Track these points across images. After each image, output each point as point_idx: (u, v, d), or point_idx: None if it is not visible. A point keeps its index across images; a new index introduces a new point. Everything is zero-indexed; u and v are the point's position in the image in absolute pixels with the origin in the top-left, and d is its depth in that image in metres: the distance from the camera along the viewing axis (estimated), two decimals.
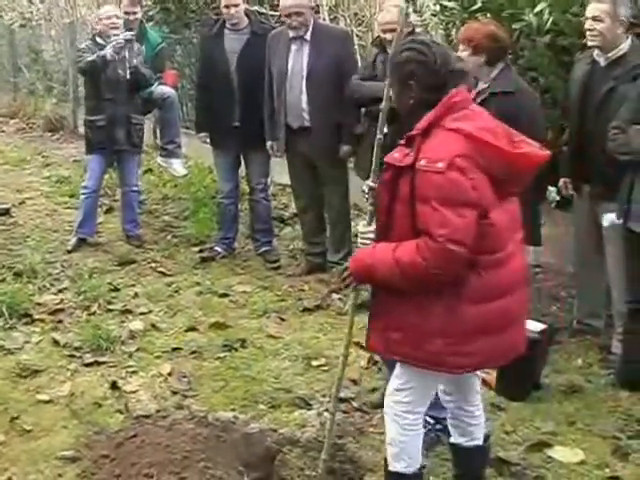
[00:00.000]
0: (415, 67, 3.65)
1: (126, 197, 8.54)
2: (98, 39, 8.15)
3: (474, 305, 3.60)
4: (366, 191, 3.91)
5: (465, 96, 3.70)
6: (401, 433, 3.92)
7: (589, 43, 5.53)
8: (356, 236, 4.02)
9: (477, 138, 3.51)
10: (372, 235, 3.79)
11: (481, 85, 5.65)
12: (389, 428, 3.97)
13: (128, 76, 7.97)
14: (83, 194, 8.37)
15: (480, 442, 4.15)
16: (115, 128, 8.10)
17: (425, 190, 3.49)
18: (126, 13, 8.66)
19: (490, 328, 3.65)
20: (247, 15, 7.67)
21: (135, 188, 8.56)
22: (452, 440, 4.23)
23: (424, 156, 3.51)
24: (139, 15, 8.94)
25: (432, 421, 4.70)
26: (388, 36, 6.41)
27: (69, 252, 8.07)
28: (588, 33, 5.47)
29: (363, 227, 3.88)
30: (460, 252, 3.44)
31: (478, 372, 4.10)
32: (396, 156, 3.63)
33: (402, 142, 3.66)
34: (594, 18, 5.40)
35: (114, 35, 7.92)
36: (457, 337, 3.61)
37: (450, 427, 4.22)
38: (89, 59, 7.92)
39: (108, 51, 7.82)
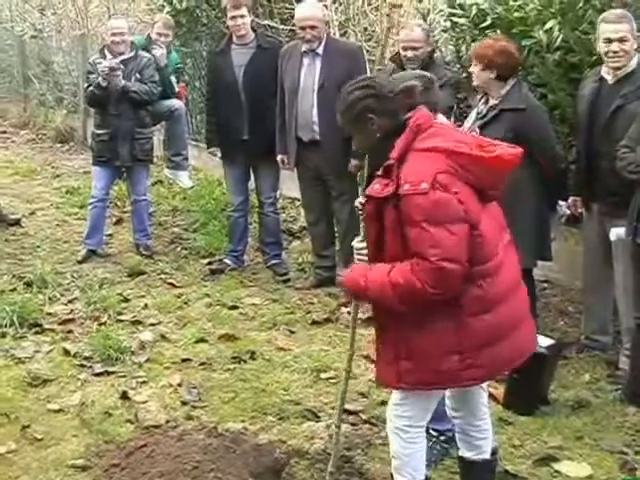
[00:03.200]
0: (370, 101, 3.72)
1: (135, 207, 8.60)
2: (106, 52, 8.27)
3: (481, 316, 3.64)
4: (359, 207, 3.96)
5: (426, 115, 3.74)
6: (403, 446, 3.95)
7: (613, 64, 5.50)
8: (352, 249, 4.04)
9: (454, 152, 3.56)
10: (366, 251, 3.85)
11: (492, 101, 5.71)
12: (392, 441, 4.01)
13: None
14: (90, 204, 8.47)
15: (487, 456, 4.17)
16: (118, 143, 8.17)
17: (412, 213, 3.52)
18: (158, 34, 8.91)
19: (498, 335, 3.69)
20: (253, 29, 7.73)
21: (144, 198, 8.60)
22: (460, 454, 4.24)
23: (406, 181, 3.54)
24: (170, 38, 9.19)
25: (436, 434, 4.72)
26: (409, 53, 6.50)
27: (79, 263, 8.13)
28: (613, 55, 5.46)
29: (358, 243, 3.93)
30: (455, 269, 3.49)
31: (484, 385, 4.11)
32: (376, 187, 3.66)
33: (379, 173, 3.69)
34: (621, 40, 5.41)
35: (99, 63, 8.08)
36: (472, 351, 3.65)
37: (458, 441, 4.24)
38: (89, 91, 8.20)
39: (99, 79, 8.00)
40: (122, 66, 8.06)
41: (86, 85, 8.41)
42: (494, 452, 4.25)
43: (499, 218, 3.83)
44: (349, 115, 3.82)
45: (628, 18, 5.46)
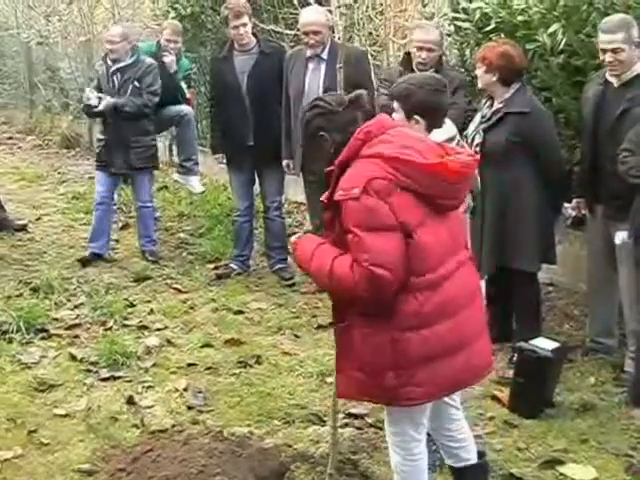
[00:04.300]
0: (319, 119, 3.75)
1: (140, 213, 8.63)
2: (108, 59, 8.31)
3: (416, 331, 3.59)
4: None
5: (381, 123, 3.70)
6: (402, 463, 3.96)
7: (610, 74, 5.53)
8: None
9: (396, 158, 3.51)
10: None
11: (496, 105, 5.74)
12: (391, 456, 4.02)
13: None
14: (94, 208, 8.56)
15: (472, 462, 4.19)
16: (112, 151, 8.24)
17: (346, 218, 3.54)
18: (167, 41, 8.95)
19: (438, 352, 3.63)
20: (255, 35, 7.76)
21: (147, 204, 8.61)
22: (446, 462, 4.30)
23: (341, 187, 3.56)
24: (180, 45, 9.23)
25: None
26: (423, 54, 6.49)
27: (78, 261, 8.22)
28: (609, 65, 5.47)
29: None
30: (384, 275, 3.46)
31: (456, 402, 4.13)
32: (327, 194, 3.69)
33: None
34: (614, 51, 5.39)
35: (85, 92, 8.22)
36: (407, 367, 3.61)
37: (441, 450, 4.28)
38: (82, 108, 8.45)
39: (90, 102, 8.11)
40: (105, 101, 8.08)
41: (84, 113, 8.49)
42: (481, 456, 4.27)
43: (456, 234, 3.77)
44: (305, 137, 3.89)
45: (626, 26, 5.41)
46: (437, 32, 6.67)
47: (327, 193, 3.68)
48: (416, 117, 4.22)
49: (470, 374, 3.83)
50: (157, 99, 8.35)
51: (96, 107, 8.07)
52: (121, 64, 8.18)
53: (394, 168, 3.51)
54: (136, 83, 8.17)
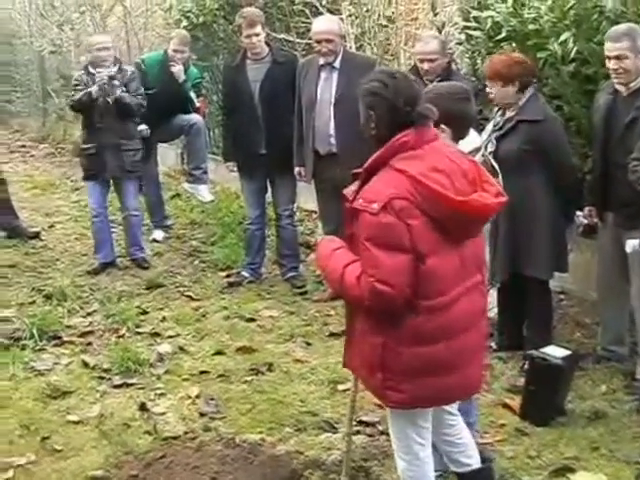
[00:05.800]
0: (376, 100, 3.63)
1: (127, 221, 8.67)
2: (90, 68, 8.28)
3: (410, 347, 3.59)
4: None
5: (421, 136, 3.60)
6: (408, 468, 3.95)
7: (615, 81, 5.53)
8: None
9: (419, 182, 3.46)
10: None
11: (509, 113, 5.75)
12: (397, 463, 4.02)
13: (111, 103, 8.05)
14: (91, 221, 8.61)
15: (473, 467, 4.18)
16: (105, 155, 8.21)
17: (361, 229, 3.53)
18: (174, 51, 8.99)
19: (430, 370, 3.63)
20: (267, 44, 7.79)
21: (135, 212, 8.63)
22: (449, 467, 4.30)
23: (362, 195, 3.54)
24: (187, 54, 9.25)
25: None
26: (425, 66, 6.52)
27: (88, 273, 8.26)
28: (613, 73, 5.48)
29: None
30: (387, 291, 3.44)
31: (453, 409, 4.13)
32: (351, 189, 3.67)
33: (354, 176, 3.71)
34: (618, 57, 5.39)
35: (98, 72, 8.08)
36: (394, 374, 3.63)
37: (442, 455, 4.28)
38: (76, 97, 8.16)
39: (93, 89, 8.01)
40: (119, 75, 8.12)
41: (71, 93, 8.44)
42: (485, 460, 4.27)
43: (471, 259, 3.71)
44: (360, 99, 3.73)
45: (631, 35, 5.39)
46: (436, 42, 6.67)
47: (353, 190, 3.64)
48: (442, 126, 4.20)
49: (461, 392, 3.87)
50: (145, 104, 8.38)
51: (102, 93, 7.99)
52: (110, 72, 8.14)
53: (418, 192, 3.45)
54: (124, 88, 8.17)
